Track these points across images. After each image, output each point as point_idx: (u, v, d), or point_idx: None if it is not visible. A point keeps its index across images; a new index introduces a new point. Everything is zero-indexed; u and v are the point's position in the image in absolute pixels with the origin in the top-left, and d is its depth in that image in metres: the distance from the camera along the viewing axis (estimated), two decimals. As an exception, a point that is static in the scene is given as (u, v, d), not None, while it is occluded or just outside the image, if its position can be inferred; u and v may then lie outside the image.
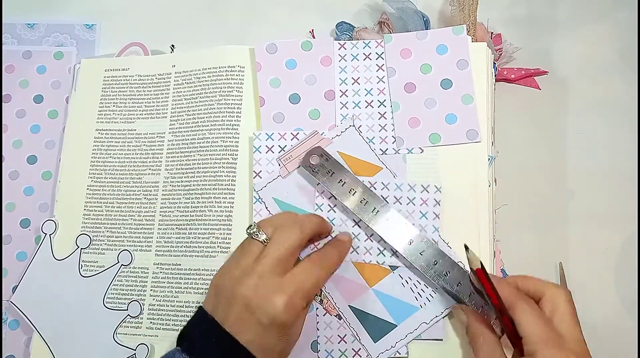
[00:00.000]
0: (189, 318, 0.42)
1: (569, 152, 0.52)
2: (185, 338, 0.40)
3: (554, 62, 0.55)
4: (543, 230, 0.51)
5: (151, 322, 0.49)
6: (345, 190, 0.46)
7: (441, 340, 0.45)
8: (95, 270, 0.50)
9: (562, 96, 0.54)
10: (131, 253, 0.50)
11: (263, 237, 0.41)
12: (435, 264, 0.44)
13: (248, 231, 0.42)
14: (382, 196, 0.47)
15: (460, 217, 0.47)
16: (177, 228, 0.50)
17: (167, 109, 0.54)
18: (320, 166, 0.47)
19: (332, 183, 0.47)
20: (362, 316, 0.45)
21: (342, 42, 0.52)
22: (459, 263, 0.45)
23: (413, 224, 0.46)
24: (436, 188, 0.47)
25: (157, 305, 0.49)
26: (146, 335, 0.48)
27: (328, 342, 0.45)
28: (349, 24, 0.56)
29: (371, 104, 0.50)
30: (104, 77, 0.55)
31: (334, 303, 0.46)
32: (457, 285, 0.44)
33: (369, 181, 0.48)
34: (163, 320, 0.48)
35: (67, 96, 0.57)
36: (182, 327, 0.47)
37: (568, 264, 0.50)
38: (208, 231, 0.49)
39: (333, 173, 0.47)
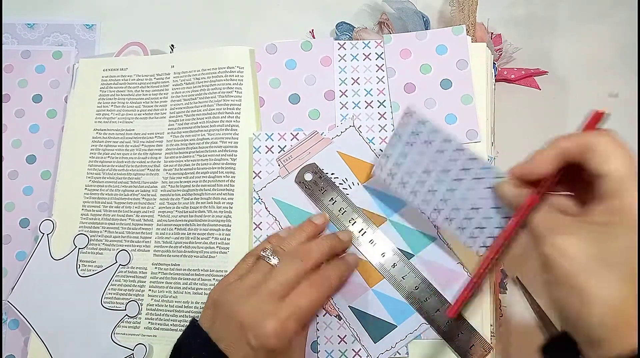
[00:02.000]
0: (185, 327, 0.41)
1: (569, 152, 0.52)
2: (179, 351, 0.40)
3: (554, 62, 0.55)
4: (543, 230, 0.50)
5: (149, 322, 0.48)
6: (336, 209, 0.47)
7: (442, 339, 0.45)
8: (93, 270, 0.50)
9: (562, 96, 0.54)
10: (129, 253, 0.50)
11: (274, 261, 0.42)
12: (417, 289, 0.45)
13: (262, 253, 0.42)
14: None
15: (460, 217, 0.47)
16: (175, 228, 0.50)
17: (165, 110, 0.54)
18: (314, 183, 0.48)
19: (323, 201, 0.47)
20: (362, 316, 0.45)
21: (341, 42, 0.52)
22: (439, 291, 0.45)
23: (398, 249, 0.46)
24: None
25: (156, 305, 0.49)
26: (144, 335, 0.48)
27: (328, 342, 0.45)
28: (349, 24, 0.56)
29: (371, 104, 0.50)
30: (102, 77, 0.55)
31: (333, 304, 0.46)
32: (436, 312, 0.45)
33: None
34: (161, 320, 0.48)
35: (66, 96, 0.57)
36: (180, 327, 0.47)
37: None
38: (207, 231, 0.49)
39: (325, 190, 0.47)
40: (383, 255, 0.46)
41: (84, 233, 0.51)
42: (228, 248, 0.48)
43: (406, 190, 0.43)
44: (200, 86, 0.53)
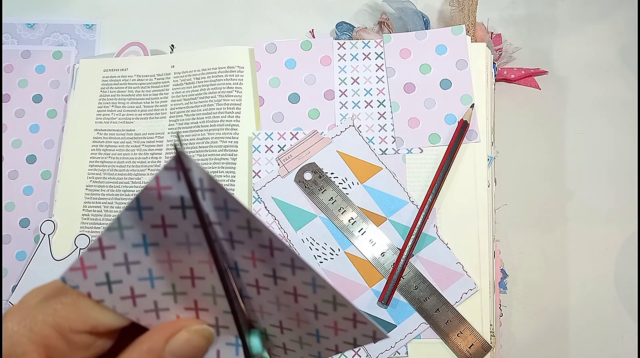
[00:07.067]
0: None
1: (569, 152, 0.52)
2: None
3: (554, 62, 0.55)
4: (543, 230, 0.50)
5: (150, 322, 0.48)
6: (335, 208, 0.47)
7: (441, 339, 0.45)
8: (94, 270, 0.50)
9: (562, 96, 0.54)
10: (130, 253, 0.50)
11: None
12: (416, 289, 0.45)
13: None
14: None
15: (460, 217, 0.47)
16: (176, 228, 0.50)
17: (166, 110, 0.54)
18: (313, 182, 0.48)
19: (322, 200, 0.47)
20: (362, 316, 0.45)
21: (341, 41, 0.52)
22: (439, 291, 0.45)
23: (398, 248, 0.46)
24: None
25: (156, 305, 0.49)
26: (145, 335, 0.48)
27: (327, 342, 0.45)
28: (349, 24, 0.56)
29: (371, 104, 0.50)
30: (103, 77, 0.55)
31: (333, 303, 0.46)
32: (435, 312, 0.45)
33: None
34: (162, 320, 0.48)
35: (66, 96, 0.57)
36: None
37: (568, 264, 0.49)
38: (207, 231, 0.49)
39: (325, 190, 0.47)
40: (383, 254, 0.46)
41: (85, 233, 0.51)
42: (228, 248, 0.48)
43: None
44: (200, 86, 0.53)
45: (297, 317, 0.23)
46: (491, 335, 0.45)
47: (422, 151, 0.49)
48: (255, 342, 0.23)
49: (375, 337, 0.22)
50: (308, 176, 0.48)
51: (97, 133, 0.54)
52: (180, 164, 0.20)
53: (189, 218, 0.21)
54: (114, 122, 0.54)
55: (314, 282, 0.22)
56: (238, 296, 0.23)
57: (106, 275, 0.22)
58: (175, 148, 0.20)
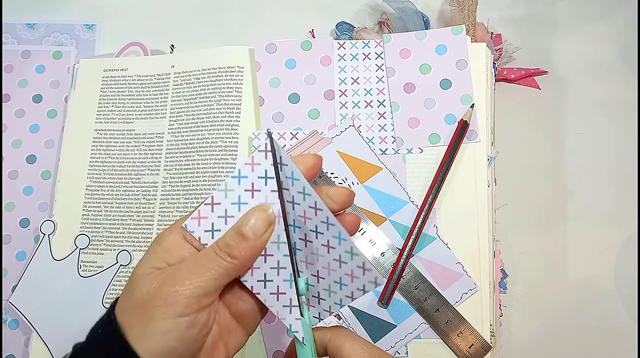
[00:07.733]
0: None
1: (569, 152, 0.52)
2: None
3: (554, 62, 0.55)
4: (543, 230, 0.50)
5: (150, 322, 0.48)
6: None
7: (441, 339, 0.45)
8: (94, 270, 0.50)
9: (562, 96, 0.54)
10: (130, 253, 0.50)
11: None
12: (416, 289, 0.45)
13: None
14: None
15: (460, 217, 0.47)
16: (176, 228, 0.50)
17: (166, 110, 0.54)
18: (313, 182, 0.48)
19: None
20: (362, 316, 0.45)
21: (341, 41, 0.52)
22: (439, 290, 0.45)
23: (398, 248, 0.46)
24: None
25: (156, 305, 0.49)
26: (145, 335, 0.48)
27: (327, 342, 0.45)
28: (349, 24, 0.56)
29: (370, 104, 0.50)
30: (103, 77, 0.55)
31: (333, 303, 0.46)
32: (435, 312, 0.45)
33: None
34: (162, 320, 0.48)
35: (66, 96, 0.57)
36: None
37: (568, 264, 0.49)
38: (207, 231, 0.49)
39: None
40: (383, 254, 0.46)
41: (85, 233, 0.51)
42: (228, 248, 0.48)
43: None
44: (200, 86, 0.53)
45: (329, 266, 0.30)
46: (491, 335, 0.45)
47: (422, 151, 0.49)
48: (302, 284, 0.31)
49: (376, 283, 0.29)
50: None
51: (97, 133, 0.54)
52: (270, 147, 0.30)
53: (268, 185, 0.30)
54: (114, 122, 0.54)
55: (339, 235, 0.29)
56: (292, 248, 0.31)
57: (211, 225, 0.30)
58: (269, 135, 0.29)
